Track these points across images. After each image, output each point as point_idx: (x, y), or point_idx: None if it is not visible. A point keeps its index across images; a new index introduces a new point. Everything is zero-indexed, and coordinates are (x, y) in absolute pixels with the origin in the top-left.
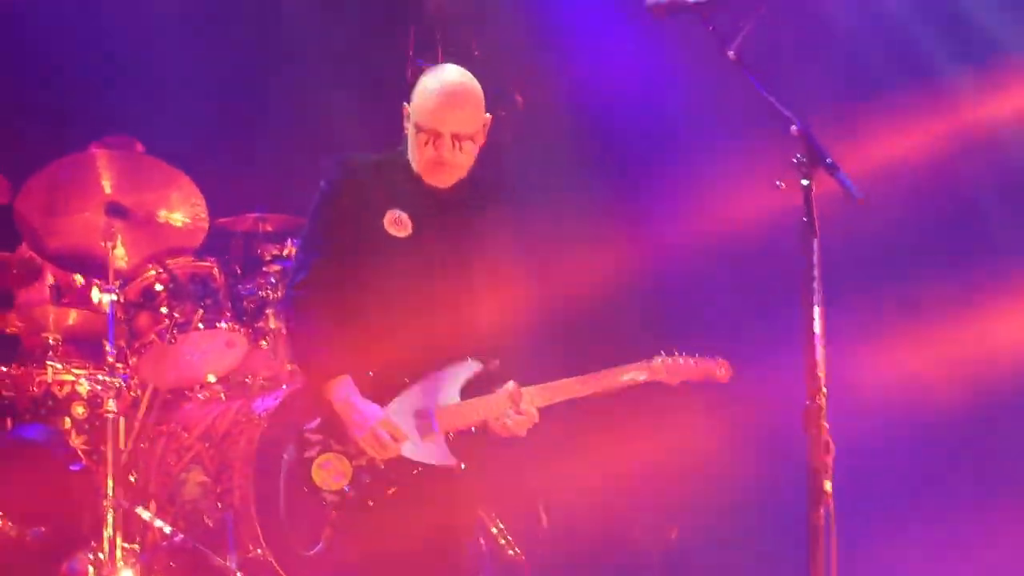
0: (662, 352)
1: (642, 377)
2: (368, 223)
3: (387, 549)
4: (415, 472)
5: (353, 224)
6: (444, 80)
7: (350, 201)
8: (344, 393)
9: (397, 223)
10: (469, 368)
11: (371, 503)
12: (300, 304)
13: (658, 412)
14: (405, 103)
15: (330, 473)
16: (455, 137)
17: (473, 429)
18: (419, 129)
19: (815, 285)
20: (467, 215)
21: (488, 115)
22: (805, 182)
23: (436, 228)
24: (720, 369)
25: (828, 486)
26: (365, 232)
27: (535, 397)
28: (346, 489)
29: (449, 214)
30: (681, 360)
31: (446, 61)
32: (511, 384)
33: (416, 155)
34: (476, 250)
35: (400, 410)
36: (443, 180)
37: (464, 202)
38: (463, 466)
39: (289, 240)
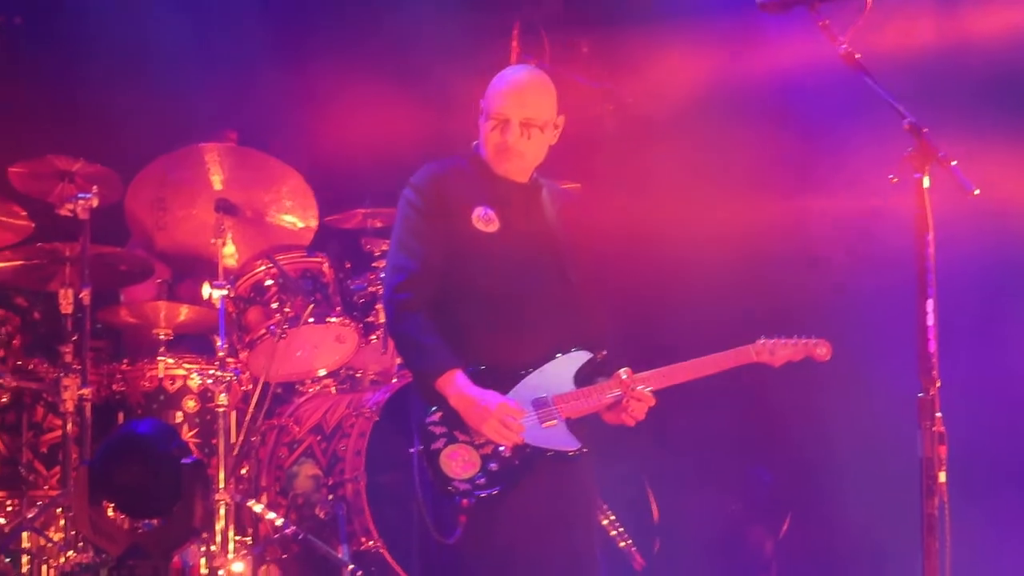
0: (763, 336)
1: (748, 359)
2: (457, 222)
3: (518, 533)
4: (541, 457)
5: (443, 225)
6: (516, 72)
7: (436, 203)
8: (459, 387)
9: (485, 219)
10: (580, 357)
11: (500, 490)
12: (404, 306)
13: (768, 404)
14: (481, 101)
15: (458, 463)
16: (523, 124)
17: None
18: (488, 117)
19: (929, 278)
20: (549, 206)
21: (562, 117)
22: (917, 175)
23: (523, 221)
24: (820, 348)
25: (943, 477)
26: (455, 231)
27: (649, 380)
28: (476, 477)
29: (532, 206)
30: (782, 341)
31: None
32: (624, 370)
33: (485, 144)
34: (563, 240)
35: (518, 399)
36: (510, 168)
37: (544, 194)
38: (585, 450)
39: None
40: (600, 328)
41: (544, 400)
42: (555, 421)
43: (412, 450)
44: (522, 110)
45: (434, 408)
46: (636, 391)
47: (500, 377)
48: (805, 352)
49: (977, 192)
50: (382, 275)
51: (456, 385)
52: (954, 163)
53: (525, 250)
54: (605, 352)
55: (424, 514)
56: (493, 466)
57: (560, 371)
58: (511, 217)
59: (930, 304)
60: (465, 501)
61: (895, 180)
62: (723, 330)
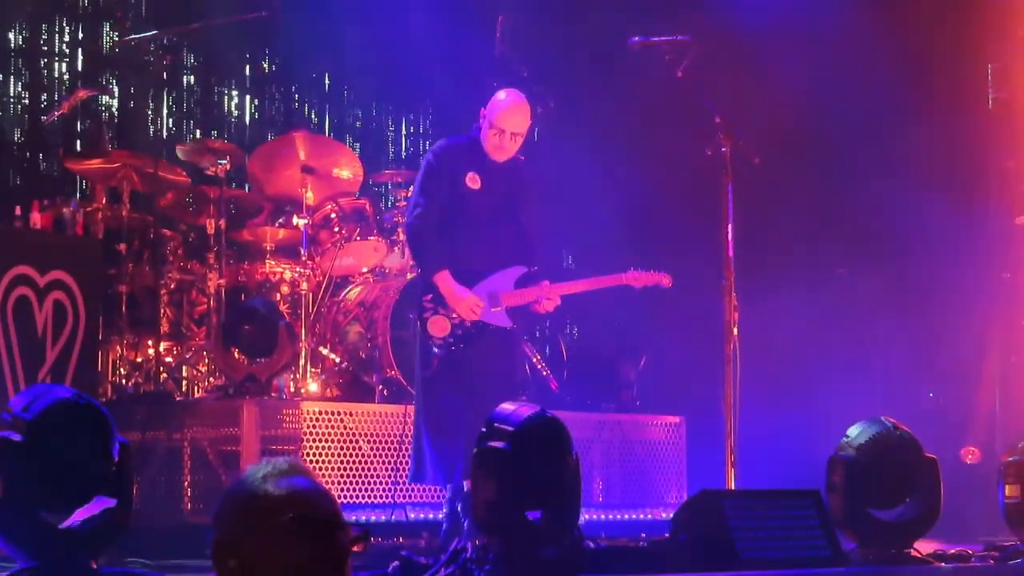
0: (632, 267)
1: (620, 281)
2: (456, 180)
3: (472, 372)
4: (488, 329)
5: (447, 180)
6: (511, 101)
7: (446, 166)
8: (445, 281)
9: (473, 180)
10: (520, 270)
11: (462, 346)
12: (417, 229)
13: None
14: (482, 108)
15: (437, 326)
16: (512, 135)
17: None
18: (491, 126)
19: (729, 211)
20: (514, 177)
21: (530, 121)
22: (723, 149)
23: (496, 184)
24: (664, 280)
25: (735, 331)
26: (454, 186)
27: (560, 289)
28: (447, 337)
29: (504, 176)
30: (643, 272)
31: (506, 77)
32: (545, 281)
33: (486, 141)
34: (518, 198)
35: (479, 292)
36: (501, 158)
37: (512, 169)
38: (515, 326)
39: (410, 187)
40: (535, 253)
41: (495, 294)
42: (499, 308)
43: (412, 316)
44: (513, 127)
45: (428, 293)
46: (550, 295)
47: (470, 277)
48: (656, 281)
49: (757, 161)
50: (402, 211)
51: (444, 280)
52: (742, 142)
53: (494, 202)
54: (536, 268)
55: (416, 355)
56: (459, 331)
57: (507, 277)
58: (490, 181)
59: (730, 227)
60: (438, 350)
61: (709, 152)
62: (608, 261)
